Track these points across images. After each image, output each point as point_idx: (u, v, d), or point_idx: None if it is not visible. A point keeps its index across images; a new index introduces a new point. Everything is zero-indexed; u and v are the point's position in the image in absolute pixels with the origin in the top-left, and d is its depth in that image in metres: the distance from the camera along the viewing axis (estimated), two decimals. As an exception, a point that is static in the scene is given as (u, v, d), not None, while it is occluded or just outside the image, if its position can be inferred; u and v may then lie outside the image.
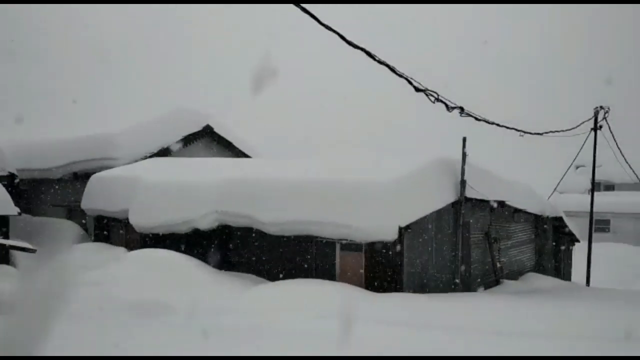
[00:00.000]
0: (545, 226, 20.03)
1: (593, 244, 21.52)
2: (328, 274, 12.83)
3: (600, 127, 19.74)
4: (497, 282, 15.94)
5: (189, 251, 13.98)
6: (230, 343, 6.76)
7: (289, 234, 13.04)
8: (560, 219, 20.96)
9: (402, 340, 6.90)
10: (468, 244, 14.47)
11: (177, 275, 12.10)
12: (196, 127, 21.19)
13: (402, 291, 12.04)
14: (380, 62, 8.23)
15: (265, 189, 13.50)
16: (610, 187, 45.49)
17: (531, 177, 27.07)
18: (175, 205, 14.42)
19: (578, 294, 14.95)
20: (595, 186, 22.75)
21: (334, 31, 7.34)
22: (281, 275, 12.96)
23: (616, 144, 20.18)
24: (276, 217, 12.96)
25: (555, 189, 23.09)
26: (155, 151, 20.04)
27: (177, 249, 13.80)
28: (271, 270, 13.56)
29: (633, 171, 22.57)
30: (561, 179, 22.46)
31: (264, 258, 13.91)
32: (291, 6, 6.38)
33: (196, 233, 14.34)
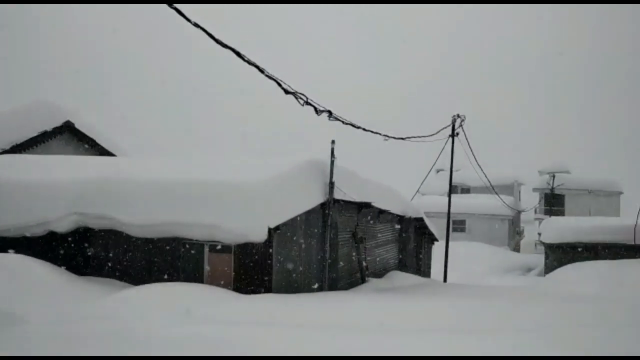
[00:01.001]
0: (408, 226, 21.18)
1: (451, 243, 23.12)
2: (196, 277, 12.57)
3: (457, 134, 21.30)
4: (363, 281, 16.58)
5: (45, 256, 12.97)
6: (86, 350, 6.38)
7: (155, 236, 12.58)
8: (421, 220, 22.28)
9: (267, 341, 6.93)
10: (336, 244, 14.91)
11: (30, 282, 11.18)
12: (55, 123, 19.76)
13: (272, 292, 12.11)
14: (249, 63, 8.22)
15: (129, 189, 12.92)
16: (466, 190, 49.21)
17: (400, 180, 28.57)
18: (27, 206, 13.31)
19: (436, 289, 15.96)
20: (453, 189, 24.50)
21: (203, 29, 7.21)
22: (146, 279, 12.47)
23: (471, 150, 21.87)
24: (141, 218, 12.45)
25: (417, 191, 24.51)
26: (7, 147, 18.42)
27: (32, 254, 12.76)
28: (136, 274, 12.99)
29: (485, 175, 24.57)
30: (422, 182, 23.89)
31: (128, 262, 13.29)
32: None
33: (53, 236, 13.36)
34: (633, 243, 28.85)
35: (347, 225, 15.89)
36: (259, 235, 11.67)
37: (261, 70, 8.68)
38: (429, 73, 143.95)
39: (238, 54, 7.97)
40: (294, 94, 9.70)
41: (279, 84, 9.34)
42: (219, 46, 7.58)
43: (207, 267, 12.59)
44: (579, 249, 29.72)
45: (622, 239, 29.39)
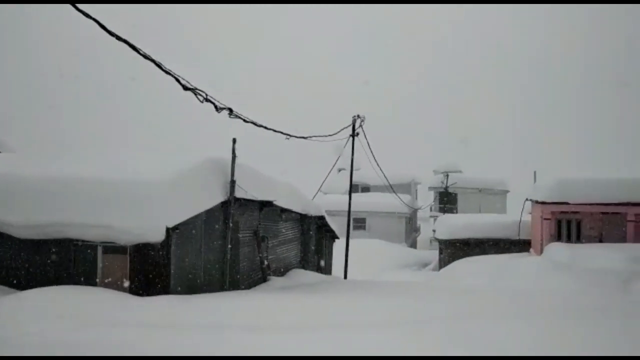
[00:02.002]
0: (309, 224, 21.42)
1: (351, 240, 23.65)
2: (89, 280, 11.99)
3: (357, 134, 21.82)
4: (264, 279, 16.56)
5: None
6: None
7: (44, 237, 11.85)
8: (322, 218, 22.60)
9: (161, 343, 6.75)
10: (237, 244, 14.78)
11: None
12: None
13: (170, 293, 11.80)
14: (145, 57, 7.95)
15: (14, 187, 12.08)
16: (366, 189, 50.45)
17: (308, 179, 28.84)
18: None
19: (336, 286, 16.25)
20: (353, 188, 25.08)
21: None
22: (34, 284, 11.71)
23: (370, 150, 22.50)
24: (28, 218, 11.69)
25: (319, 189, 24.84)
26: None
27: None
28: (22, 279, 12.15)
29: (384, 174, 25.38)
30: (324, 181, 24.25)
31: (13, 265, 12.40)
32: None
33: None
34: (518, 238, 31.02)
35: (249, 224, 15.81)
36: (156, 235, 11.32)
37: (158, 65, 8.42)
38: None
39: (133, 47, 7.69)
40: (194, 90, 9.50)
41: (178, 80, 9.12)
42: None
43: (101, 269, 12.04)
44: (470, 245, 31.47)
45: (509, 235, 31.50)
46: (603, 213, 24.86)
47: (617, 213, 24.43)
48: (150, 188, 11.99)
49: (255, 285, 15.98)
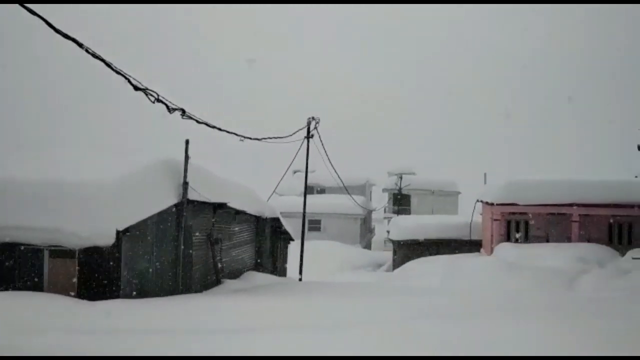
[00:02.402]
0: (264, 226, 21.31)
1: (307, 242, 23.65)
2: (35, 285, 11.58)
3: (312, 135, 21.85)
4: (218, 282, 16.38)
5: None
6: None
7: (-16, 241, 11.39)
8: (277, 220, 22.53)
9: (108, 349, 6.58)
10: (190, 246, 14.56)
11: None
12: None
13: (121, 298, 11.52)
14: (94, 56, 7.74)
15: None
16: (322, 191, 50.62)
17: (262, 180, 28.65)
18: None
19: (291, 288, 16.23)
20: (309, 189, 25.10)
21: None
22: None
23: (325, 151, 22.56)
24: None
25: (274, 191, 24.76)
26: None
27: None
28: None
29: (338, 176, 25.49)
30: (279, 183, 24.18)
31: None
32: None
33: None
34: (469, 238, 31.69)
35: (203, 226, 15.61)
36: (106, 238, 11.05)
37: (108, 65, 8.22)
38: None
39: (79, 44, 7.48)
40: (144, 90, 9.31)
41: (128, 80, 8.91)
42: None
43: (48, 274, 11.65)
44: (423, 245, 31.95)
45: (460, 235, 32.14)
46: (550, 214, 25.68)
47: (562, 214, 25.28)
48: (100, 189, 11.69)
49: (209, 288, 15.79)
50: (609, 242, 25.27)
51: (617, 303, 11.93)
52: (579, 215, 24.62)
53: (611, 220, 25.56)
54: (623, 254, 22.27)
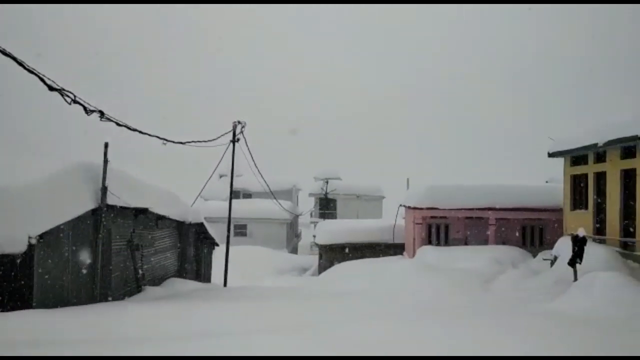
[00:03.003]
0: (188, 232, 20.90)
1: (232, 247, 23.41)
2: (-64, 296, 10.80)
3: (238, 139, 21.67)
4: (139, 290, 15.90)
5: None
6: None
7: None
8: (202, 225, 22.16)
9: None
10: (109, 253, 14.06)
11: None
12: None
13: (34, 308, 10.95)
14: (4, 54, 7.35)
15: None
16: (248, 195, 50.30)
17: (189, 184, 28.10)
18: None
19: (214, 294, 16.00)
20: (235, 194, 24.88)
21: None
22: None
23: (251, 156, 22.45)
24: None
25: (198, 195, 24.34)
26: None
27: None
28: None
29: (264, 181, 25.42)
30: (203, 187, 23.83)
31: None
32: None
33: None
34: (392, 242, 32.41)
35: (122, 232, 15.11)
36: (17, 245, 10.46)
37: (20, 64, 7.83)
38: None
39: (-10, 42, 7.08)
40: (60, 91, 8.93)
41: (43, 80, 8.53)
42: None
43: (-50, 285, 10.89)
44: (349, 249, 32.38)
45: (384, 239, 32.81)
46: (468, 218, 26.71)
47: (480, 217, 26.36)
48: (11, 194, 11.07)
49: (129, 296, 15.29)
50: (523, 244, 26.61)
51: (526, 301, 12.58)
52: (495, 218, 25.74)
53: (524, 224, 26.93)
54: (535, 255, 23.48)
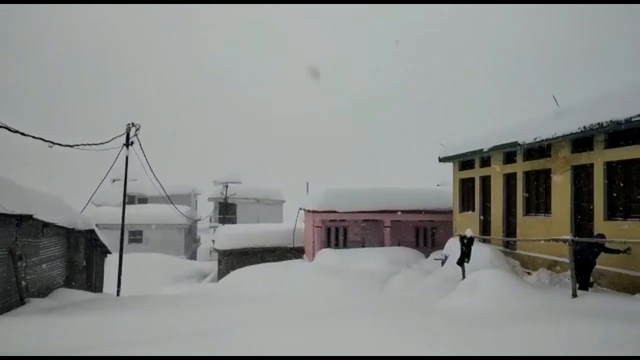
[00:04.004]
0: (77, 239, 19.80)
1: (127, 254, 22.47)
2: None
3: (132, 142, 20.86)
4: (22, 302, 14.83)
5: None
6: None
7: None
8: (92, 232, 21.09)
9: None
10: (-13, 264, 13.00)
11: None
12: None
13: None
14: None
15: None
16: (144, 200, 48.61)
17: (81, 189, 26.57)
18: None
19: (105, 304, 15.27)
20: (130, 199, 23.90)
21: None
22: None
23: (146, 159, 21.69)
24: None
25: (89, 201, 23.13)
26: None
27: None
28: None
29: (161, 185, 24.65)
30: (94, 192, 22.69)
31: None
32: None
33: None
34: (292, 245, 32.63)
35: (4, 241, 14.03)
36: None
37: None
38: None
39: None
40: None
41: None
42: None
43: None
44: (249, 254, 32.18)
45: (285, 243, 32.95)
46: (365, 220, 27.46)
47: (376, 220, 27.20)
48: None
49: (10, 309, 14.21)
50: (416, 245, 27.79)
51: (418, 299, 13.15)
52: (391, 221, 26.68)
53: (418, 225, 28.12)
54: (428, 256, 24.60)
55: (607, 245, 12.11)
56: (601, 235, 12.31)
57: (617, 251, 12.18)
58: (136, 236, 43.05)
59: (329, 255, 24.27)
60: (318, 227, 27.01)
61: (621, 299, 10.57)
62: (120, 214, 22.37)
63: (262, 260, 31.91)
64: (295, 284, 21.40)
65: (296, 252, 32.34)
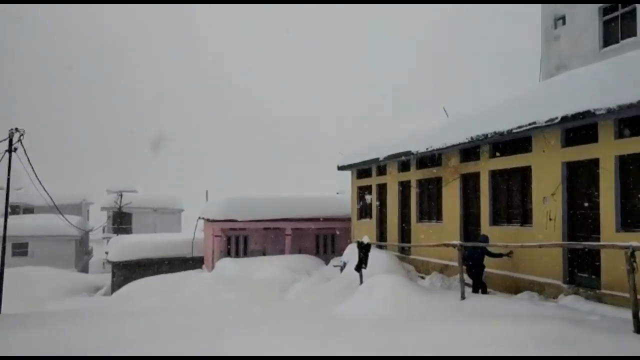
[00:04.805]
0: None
1: (11, 269, 20.86)
2: None
3: (15, 149, 19.49)
4: None
5: None
6: None
7: None
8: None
9: None
10: None
11: None
12: None
13: None
14: None
15: None
16: (30, 210, 45.56)
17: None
18: None
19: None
20: (14, 209, 22.26)
21: None
22: None
23: (31, 167, 20.32)
24: None
25: (-35, 212, 21.29)
26: None
27: None
28: None
29: (48, 194, 23.21)
30: (-28, 202, 20.93)
31: None
32: None
33: None
34: (191, 255, 31.91)
35: None
36: None
37: None
38: None
39: None
40: None
41: None
42: None
43: None
44: (145, 265, 31.06)
45: (183, 253, 32.15)
46: (266, 228, 27.43)
47: (277, 228, 27.25)
48: None
49: None
50: (317, 252, 28.14)
51: (318, 306, 13.33)
52: (291, 229, 26.83)
53: (318, 233, 28.49)
54: (327, 262, 24.97)
55: (490, 250, 12.92)
56: (485, 237, 13.12)
57: (500, 255, 13.03)
58: (21, 249, 40.16)
59: (229, 265, 23.97)
60: (218, 236, 26.62)
61: (505, 299, 11.32)
62: (1, 225, 20.75)
63: (160, 271, 30.90)
64: (194, 295, 20.94)
65: (195, 263, 31.65)
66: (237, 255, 27.22)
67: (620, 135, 10.33)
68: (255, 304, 16.62)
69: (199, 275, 25.48)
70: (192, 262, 31.68)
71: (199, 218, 31.04)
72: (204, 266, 30.36)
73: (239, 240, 27.60)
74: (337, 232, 28.27)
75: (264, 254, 27.21)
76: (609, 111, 9.67)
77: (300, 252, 27.31)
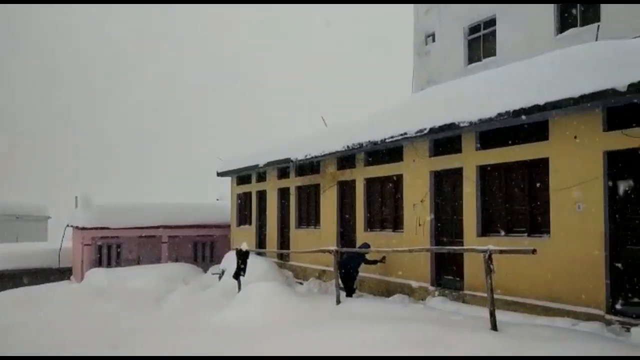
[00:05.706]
0: None
1: None
2: None
3: None
4: None
5: None
6: None
7: None
8: None
9: None
10: None
11: None
12: None
13: None
14: None
15: None
16: None
17: None
18: None
19: None
20: None
21: None
22: None
23: None
24: None
25: None
26: None
27: None
28: None
29: None
30: None
31: None
32: None
33: None
34: (58, 266, 29.86)
35: None
36: None
37: None
38: None
39: None
40: None
41: None
42: None
43: None
44: (3, 277, 28.59)
45: (49, 263, 29.99)
46: (141, 236, 26.34)
47: (153, 236, 26.27)
48: None
49: None
50: (195, 260, 27.47)
51: (194, 315, 13.04)
52: (168, 236, 26.01)
53: (196, 240, 27.86)
54: (206, 270, 24.48)
55: (366, 257, 13.38)
56: (366, 245, 13.56)
57: (375, 262, 13.53)
58: None
59: (99, 275, 22.69)
60: (88, 245, 25.12)
61: (379, 302, 11.78)
62: None
63: (21, 284, 28.48)
64: (60, 309, 19.58)
65: (63, 274, 29.60)
66: (109, 264, 25.86)
67: (481, 146, 11.18)
68: (128, 316, 15.91)
69: (66, 287, 23.84)
70: (60, 274, 29.61)
71: (68, 225, 29.12)
72: (72, 277, 28.51)
73: (111, 249, 26.24)
74: (217, 239, 27.81)
75: (139, 263, 26.09)
76: (471, 124, 10.44)
77: (177, 260, 26.51)
